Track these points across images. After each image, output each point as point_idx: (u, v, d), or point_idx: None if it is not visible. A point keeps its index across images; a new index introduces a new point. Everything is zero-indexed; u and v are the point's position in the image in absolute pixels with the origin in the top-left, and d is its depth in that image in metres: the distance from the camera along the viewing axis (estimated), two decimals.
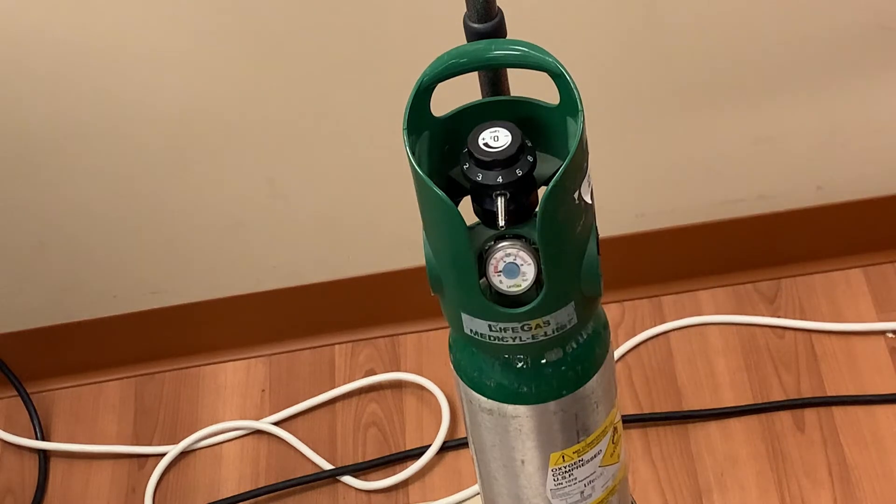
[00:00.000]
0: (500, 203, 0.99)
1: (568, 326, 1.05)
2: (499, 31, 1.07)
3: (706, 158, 1.69)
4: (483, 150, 0.98)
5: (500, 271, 1.02)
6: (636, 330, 1.79)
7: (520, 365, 1.09)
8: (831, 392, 1.69)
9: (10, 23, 1.49)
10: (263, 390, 1.83)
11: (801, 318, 1.76)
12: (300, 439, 1.76)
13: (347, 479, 1.72)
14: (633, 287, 1.82)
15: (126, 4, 1.48)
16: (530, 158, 0.99)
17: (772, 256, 1.80)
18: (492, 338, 1.05)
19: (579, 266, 1.04)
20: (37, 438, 1.81)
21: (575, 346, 1.10)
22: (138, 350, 1.86)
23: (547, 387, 1.10)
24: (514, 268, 1.02)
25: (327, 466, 1.73)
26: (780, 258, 1.80)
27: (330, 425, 1.78)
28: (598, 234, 1.06)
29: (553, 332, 1.05)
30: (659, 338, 1.79)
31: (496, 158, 0.98)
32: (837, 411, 1.68)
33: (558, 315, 1.04)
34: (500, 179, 0.98)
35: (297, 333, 1.85)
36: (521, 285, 1.02)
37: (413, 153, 0.98)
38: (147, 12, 1.49)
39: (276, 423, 1.79)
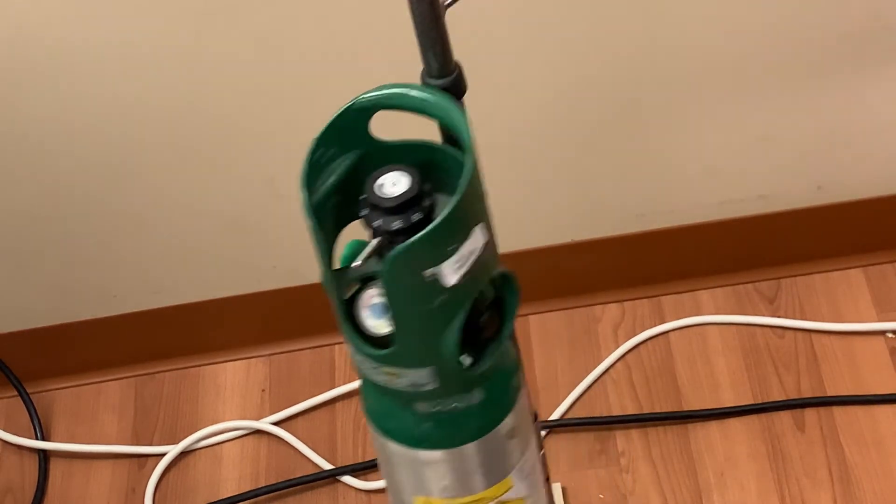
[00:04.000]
0: (371, 245, 1.00)
1: (426, 387, 1.05)
2: (457, 86, 1.04)
3: (706, 158, 1.69)
4: (375, 194, 0.99)
5: (368, 308, 1.03)
6: (636, 330, 1.79)
7: (393, 402, 1.10)
8: (831, 392, 1.69)
9: (9, 22, 1.49)
10: (263, 390, 1.83)
11: (801, 318, 1.76)
12: (300, 439, 1.76)
13: (347, 479, 1.72)
14: (633, 287, 1.82)
15: (125, 3, 1.48)
16: (415, 215, 0.98)
17: (772, 256, 1.80)
18: (360, 371, 1.07)
19: (435, 342, 1.03)
20: (37, 438, 1.81)
21: (440, 409, 1.09)
22: (138, 350, 1.86)
23: (413, 433, 1.11)
24: (381, 309, 1.03)
25: (327, 466, 1.73)
26: (780, 258, 1.80)
27: (330, 425, 1.78)
28: (486, 326, 1.05)
29: (408, 387, 1.05)
30: (659, 338, 1.79)
31: (380, 204, 0.99)
32: (837, 411, 1.68)
33: (412, 374, 1.04)
34: (379, 223, 0.99)
35: (297, 333, 1.85)
36: (384, 329, 1.03)
37: (308, 190, 1.00)
38: (146, 11, 1.49)
39: (276, 423, 1.79)
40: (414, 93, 1.01)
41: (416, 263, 0.97)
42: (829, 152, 1.69)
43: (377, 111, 1.02)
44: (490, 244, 1.01)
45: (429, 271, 0.97)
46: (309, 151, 1.01)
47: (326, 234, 1.03)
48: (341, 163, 1.03)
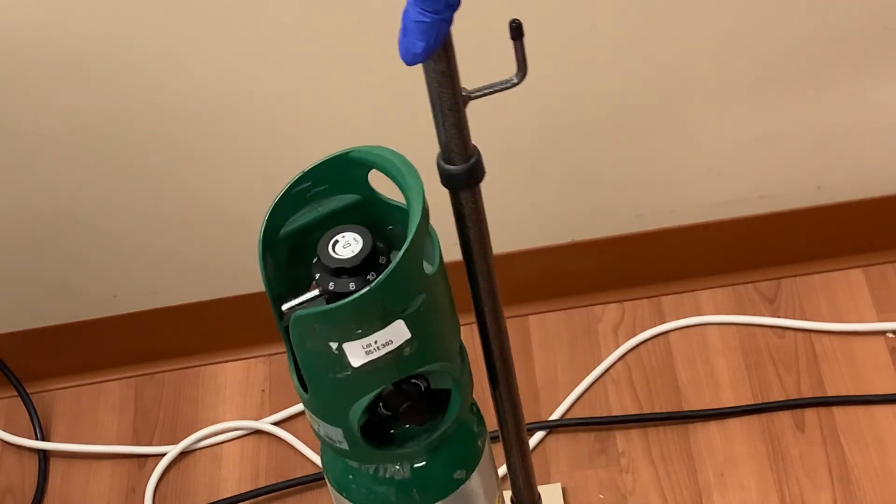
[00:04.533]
0: (307, 295, 1.01)
1: (339, 445, 1.06)
2: (475, 172, 1.01)
3: (706, 158, 1.69)
4: (325, 249, 1.00)
5: None
6: (636, 330, 1.79)
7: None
8: (831, 392, 1.69)
9: (8, 19, 1.49)
10: (263, 390, 1.83)
11: (801, 318, 1.76)
12: (300, 439, 1.76)
13: None
14: (633, 287, 1.82)
15: (124, 3, 1.48)
16: (351, 283, 0.98)
17: (772, 256, 1.80)
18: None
19: (340, 409, 1.03)
20: (37, 438, 1.81)
21: (363, 469, 1.10)
22: (138, 350, 1.86)
23: (341, 481, 1.12)
24: None
25: None
26: (780, 258, 1.80)
27: None
28: (404, 415, 1.06)
29: (325, 437, 1.06)
30: (659, 338, 1.79)
31: (323, 261, 1.00)
32: (837, 411, 1.68)
33: (325, 426, 1.05)
34: (318, 277, 1.00)
35: None
36: None
37: (281, 216, 1.02)
38: (145, 11, 1.49)
39: (276, 423, 1.79)
40: (398, 164, 1.00)
41: (317, 334, 0.97)
42: (829, 152, 1.69)
43: (370, 170, 1.02)
44: (417, 342, 0.99)
45: (333, 345, 0.97)
46: (291, 181, 1.01)
47: (289, 262, 1.03)
48: (332, 202, 1.03)
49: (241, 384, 1.84)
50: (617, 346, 1.77)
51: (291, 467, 1.75)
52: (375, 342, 0.97)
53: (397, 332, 0.97)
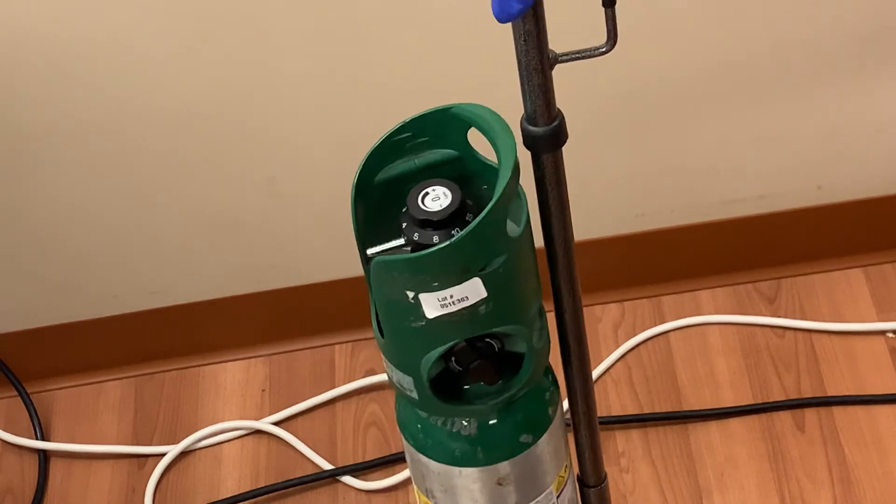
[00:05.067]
0: (392, 243, 1.02)
1: (410, 393, 1.07)
2: (558, 134, 1.03)
3: (706, 158, 1.69)
4: (414, 200, 1.01)
5: None
6: (636, 330, 1.79)
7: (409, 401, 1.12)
8: (831, 392, 1.69)
9: (9, 22, 1.49)
10: (263, 390, 1.83)
11: (801, 318, 1.76)
12: (300, 439, 1.76)
13: (347, 479, 1.72)
14: (633, 287, 1.82)
15: (125, 4, 1.48)
16: (435, 235, 0.99)
17: (772, 256, 1.80)
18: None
19: (411, 357, 1.04)
20: (37, 438, 1.81)
21: (431, 421, 1.11)
22: (138, 350, 1.86)
23: (412, 432, 1.13)
24: None
25: (327, 466, 1.73)
26: (780, 258, 1.80)
27: (330, 425, 1.78)
28: (475, 372, 1.06)
29: (396, 384, 1.07)
30: (659, 338, 1.79)
31: (411, 211, 1.01)
32: (837, 411, 1.68)
33: (397, 373, 1.06)
34: (404, 226, 1.01)
35: (297, 333, 1.85)
36: None
37: (375, 162, 1.02)
38: (146, 12, 1.49)
39: (276, 423, 1.79)
40: (493, 123, 1.01)
41: (395, 281, 0.98)
42: (829, 152, 1.69)
43: (470, 127, 1.03)
44: (493, 303, 1.00)
45: (410, 294, 0.98)
46: (390, 130, 1.02)
47: (381, 208, 1.04)
48: (431, 155, 1.04)
49: (241, 384, 1.84)
50: (617, 346, 1.77)
51: (291, 467, 1.75)
52: (451, 296, 0.99)
53: (474, 290, 0.99)
